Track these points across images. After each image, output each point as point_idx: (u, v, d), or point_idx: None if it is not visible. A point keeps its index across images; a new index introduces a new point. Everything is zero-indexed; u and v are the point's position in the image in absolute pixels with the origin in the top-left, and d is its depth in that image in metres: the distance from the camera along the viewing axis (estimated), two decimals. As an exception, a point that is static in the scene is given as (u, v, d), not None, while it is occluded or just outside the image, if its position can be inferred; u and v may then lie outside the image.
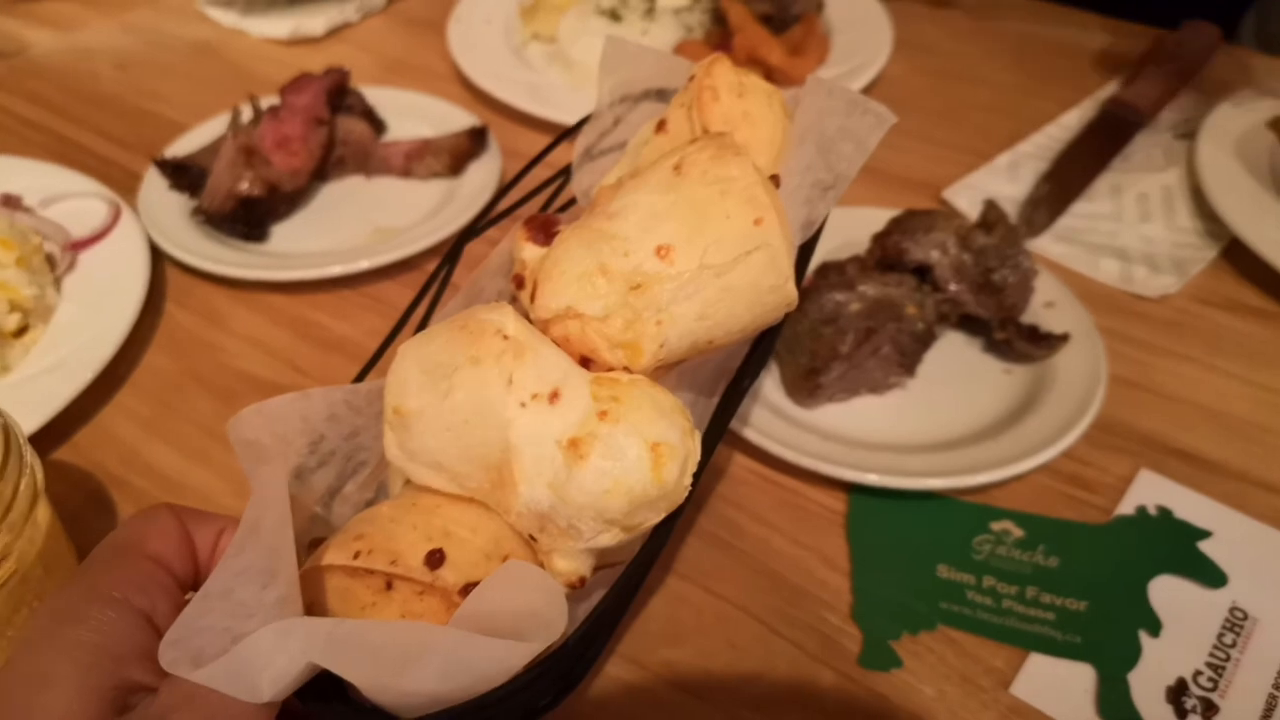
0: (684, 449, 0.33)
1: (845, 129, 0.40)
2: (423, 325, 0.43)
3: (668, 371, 0.37)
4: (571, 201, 0.50)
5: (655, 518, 0.33)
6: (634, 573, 0.34)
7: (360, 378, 0.41)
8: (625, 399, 0.33)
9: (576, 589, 0.34)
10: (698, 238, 0.34)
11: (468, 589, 0.31)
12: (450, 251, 0.46)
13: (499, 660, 0.28)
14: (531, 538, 0.34)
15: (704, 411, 0.39)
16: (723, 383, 0.40)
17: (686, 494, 0.34)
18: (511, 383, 0.32)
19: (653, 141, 0.42)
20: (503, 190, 0.49)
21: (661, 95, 0.48)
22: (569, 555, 0.34)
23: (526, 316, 0.36)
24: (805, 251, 0.40)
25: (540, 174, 0.49)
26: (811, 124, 0.41)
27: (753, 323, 0.37)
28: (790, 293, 0.36)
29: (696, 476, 0.34)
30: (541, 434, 0.32)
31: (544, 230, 0.39)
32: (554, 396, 0.32)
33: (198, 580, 0.33)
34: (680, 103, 0.42)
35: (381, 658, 0.28)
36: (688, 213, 0.34)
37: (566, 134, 0.49)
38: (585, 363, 0.35)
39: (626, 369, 0.35)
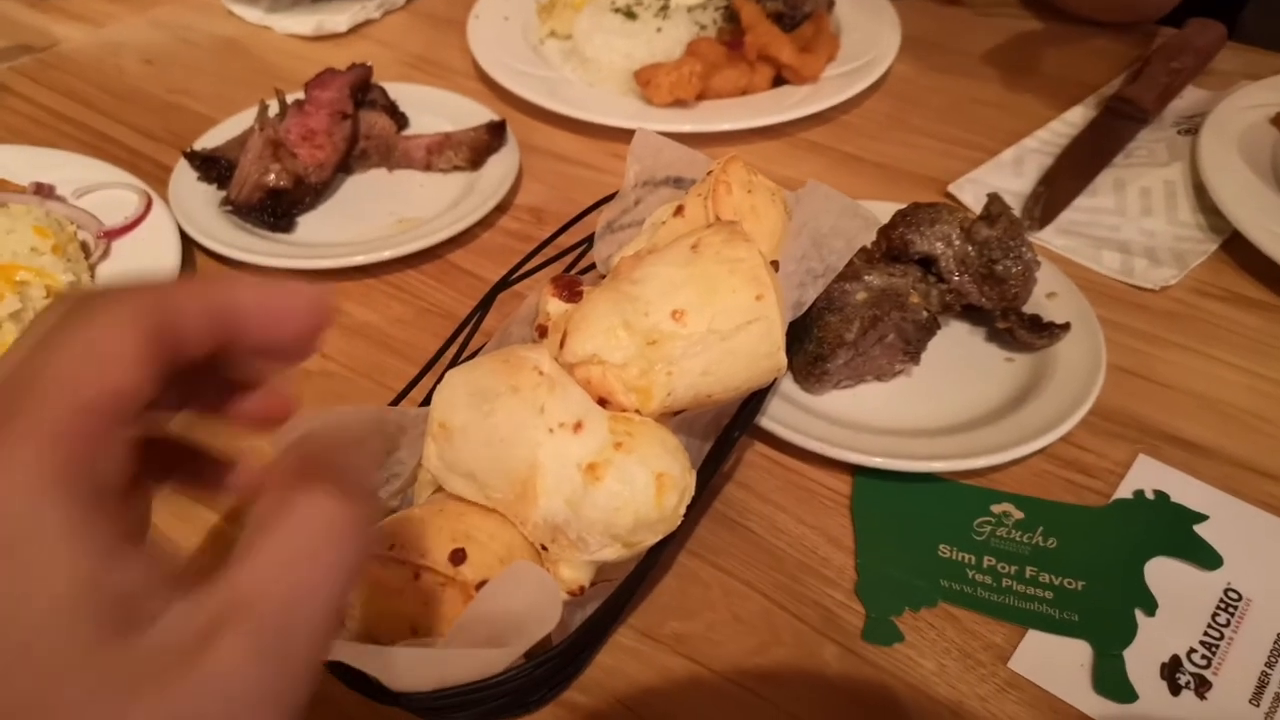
0: (683, 481, 0.39)
1: (837, 228, 0.49)
2: (454, 361, 0.50)
3: (669, 418, 0.43)
4: (591, 266, 0.58)
5: (652, 539, 0.40)
6: (625, 587, 0.40)
7: (395, 403, 0.48)
8: (638, 435, 0.39)
9: (576, 596, 0.40)
10: (707, 306, 0.40)
11: (482, 584, 0.37)
12: (483, 300, 0.54)
13: (489, 666, 0.35)
14: (543, 547, 0.40)
15: (697, 455, 0.45)
16: (715, 433, 0.47)
17: (679, 522, 0.40)
18: (543, 411, 0.39)
19: (670, 223, 0.49)
20: (533, 251, 0.56)
21: (679, 183, 0.56)
22: (574, 565, 0.40)
23: None
24: (794, 328, 0.47)
25: (564, 238, 0.58)
26: (808, 219, 0.49)
27: (747, 382, 0.42)
28: (780, 360, 0.42)
29: (686, 511, 0.40)
30: (565, 456, 0.38)
31: (568, 289, 0.46)
32: (578, 426, 0.39)
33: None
34: (698, 193, 0.49)
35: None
36: (701, 285, 0.41)
37: (593, 207, 0.58)
38: (602, 403, 0.40)
39: (638, 411, 0.40)
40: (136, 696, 0.19)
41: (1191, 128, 0.77)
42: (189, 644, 0.20)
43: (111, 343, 0.22)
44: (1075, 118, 0.80)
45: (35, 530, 0.20)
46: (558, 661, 0.38)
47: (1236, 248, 0.66)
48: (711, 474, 0.45)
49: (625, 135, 0.62)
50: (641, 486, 0.38)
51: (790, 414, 0.53)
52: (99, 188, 0.72)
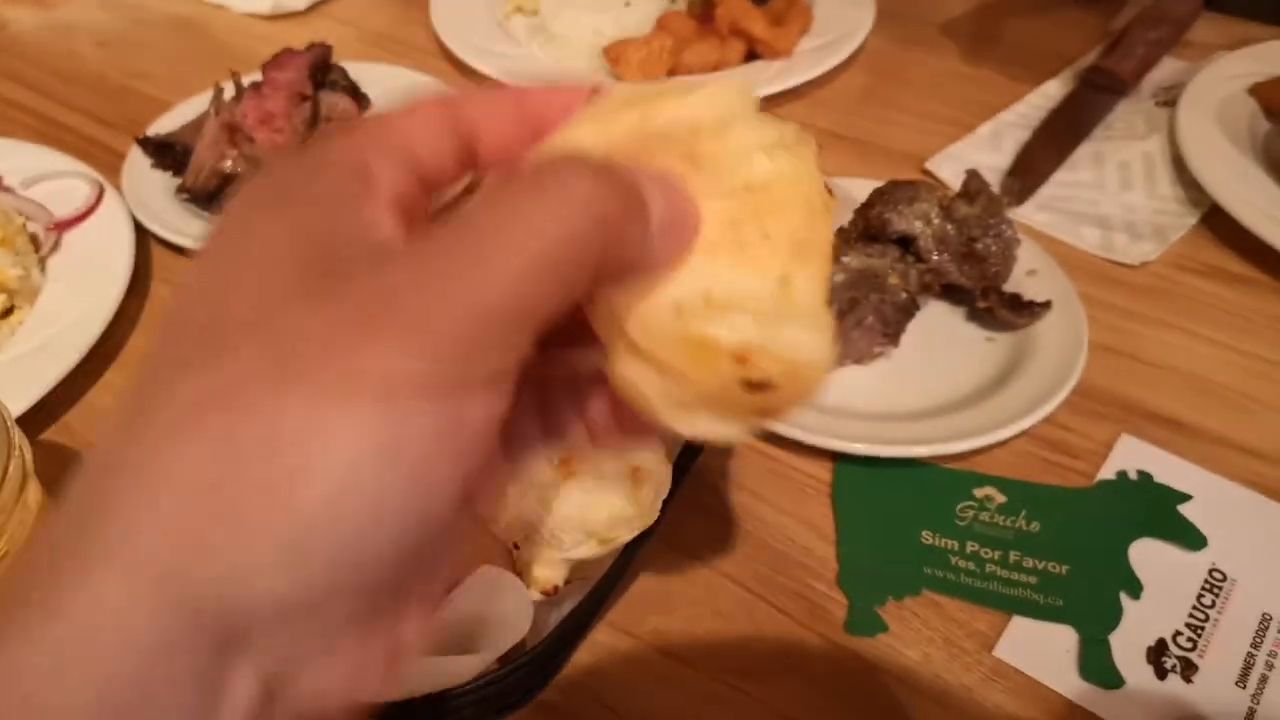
0: (659, 474, 0.39)
1: None
2: None
3: None
4: None
5: (628, 535, 0.39)
6: (602, 585, 0.40)
7: None
8: None
9: (550, 596, 0.39)
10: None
11: (450, 588, 0.35)
12: None
13: (460, 673, 0.34)
14: (515, 546, 0.38)
15: (674, 446, 0.44)
16: None
17: (655, 517, 0.39)
18: None
19: None
20: None
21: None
22: (548, 564, 0.39)
23: None
24: None
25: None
26: None
27: None
28: None
29: (664, 505, 0.39)
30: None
31: None
32: None
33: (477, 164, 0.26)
34: None
35: None
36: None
37: None
38: None
39: None
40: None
41: (1169, 99, 0.76)
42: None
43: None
44: (1053, 90, 0.79)
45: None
46: (532, 666, 0.37)
47: (1216, 221, 0.65)
48: (689, 466, 0.43)
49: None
50: (615, 480, 0.37)
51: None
52: (49, 177, 0.69)
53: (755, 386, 0.23)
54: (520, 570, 0.39)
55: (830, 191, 0.25)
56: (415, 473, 0.18)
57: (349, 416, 0.17)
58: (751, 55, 0.81)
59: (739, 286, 0.22)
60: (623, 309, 0.23)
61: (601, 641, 0.44)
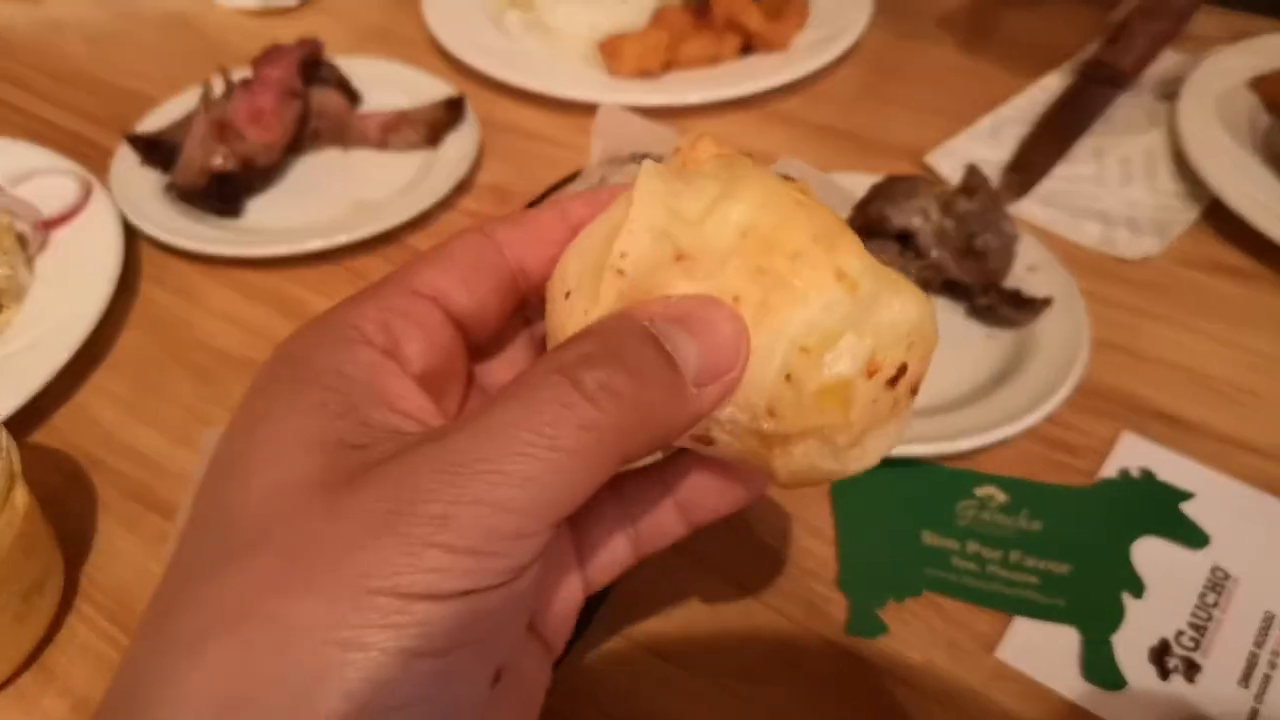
0: None
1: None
2: None
3: None
4: None
5: None
6: (594, 595, 0.37)
7: None
8: None
9: None
10: None
11: None
12: None
13: None
14: None
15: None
16: None
17: None
18: None
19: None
20: None
21: (645, 159, 0.53)
22: None
23: None
24: None
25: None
26: None
27: None
28: None
29: None
30: None
31: None
32: None
33: (528, 289, 0.26)
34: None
35: None
36: None
37: (556, 186, 0.55)
38: None
39: None
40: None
41: (1170, 93, 0.75)
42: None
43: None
44: (1052, 84, 0.79)
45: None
46: None
47: (1218, 215, 0.65)
48: None
49: (591, 109, 0.59)
50: None
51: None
52: (37, 175, 0.68)
53: (895, 379, 0.23)
54: None
55: (790, 178, 0.24)
56: (438, 668, 0.18)
57: (367, 622, 0.17)
58: (748, 49, 0.81)
59: (815, 316, 0.22)
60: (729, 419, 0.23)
61: (598, 644, 0.43)
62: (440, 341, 0.23)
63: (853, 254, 0.23)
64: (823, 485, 0.23)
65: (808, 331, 0.22)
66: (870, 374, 0.22)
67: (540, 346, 0.27)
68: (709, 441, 0.23)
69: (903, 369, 0.23)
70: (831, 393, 0.22)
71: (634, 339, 0.20)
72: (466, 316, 0.24)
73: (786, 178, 0.24)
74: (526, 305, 0.26)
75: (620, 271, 0.22)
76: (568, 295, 0.23)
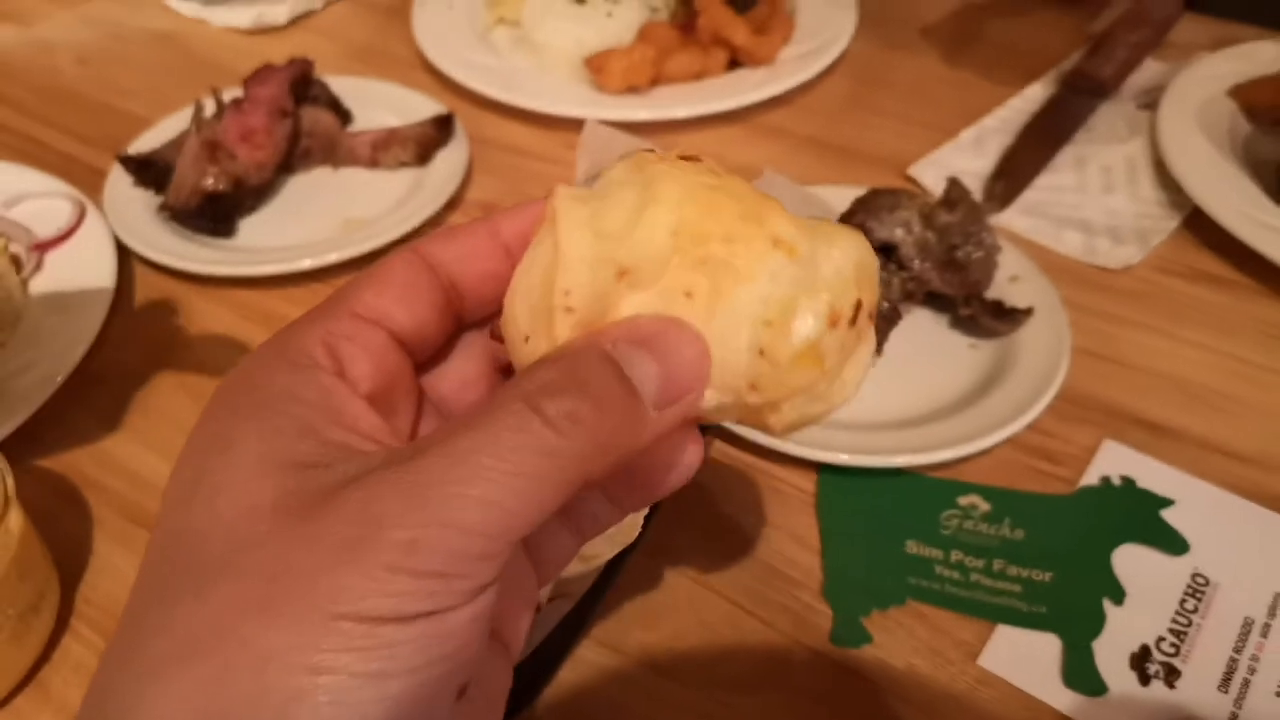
0: None
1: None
2: None
3: None
4: None
5: (609, 552, 0.38)
6: (585, 603, 0.40)
7: None
8: None
9: (535, 613, 0.37)
10: None
11: None
12: None
13: None
14: None
15: None
16: None
17: (637, 533, 0.39)
18: None
19: None
20: None
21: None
22: None
23: None
24: None
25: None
26: None
27: None
28: None
29: (647, 520, 0.39)
30: None
31: None
32: None
33: (462, 307, 0.26)
34: None
35: None
36: None
37: None
38: None
39: None
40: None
41: (1151, 102, 0.76)
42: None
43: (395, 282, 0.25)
44: (1035, 94, 0.80)
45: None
46: (517, 683, 0.37)
47: (1198, 224, 0.66)
48: None
49: (579, 125, 0.60)
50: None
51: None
52: (30, 197, 0.69)
53: (854, 317, 0.23)
54: None
55: (695, 155, 0.25)
56: (407, 687, 0.18)
57: (335, 646, 0.18)
58: (734, 64, 0.82)
59: (766, 289, 0.23)
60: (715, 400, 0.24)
61: (587, 657, 0.44)
62: (386, 362, 0.24)
63: (780, 219, 0.24)
64: (816, 426, 0.25)
65: (765, 305, 0.23)
66: (833, 324, 0.23)
67: (486, 356, 0.28)
68: (699, 419, 0.24)
69: (858, 305, 0.24)
70: (804, 356, 0.23)
71: (595, 366, 0.21)
72: (408, 336, 0.25)
73: (687, 158, 0.25)
74: (464, 319, 0.27)
75: (569, 309, 0.22)
76: (526, 340, 0.24)
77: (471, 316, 0.27)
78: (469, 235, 0.26)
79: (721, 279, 0.23)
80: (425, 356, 0.26)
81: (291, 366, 0.22)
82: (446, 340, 0.27)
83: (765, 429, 0.25)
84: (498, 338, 0.26)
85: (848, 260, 0.24)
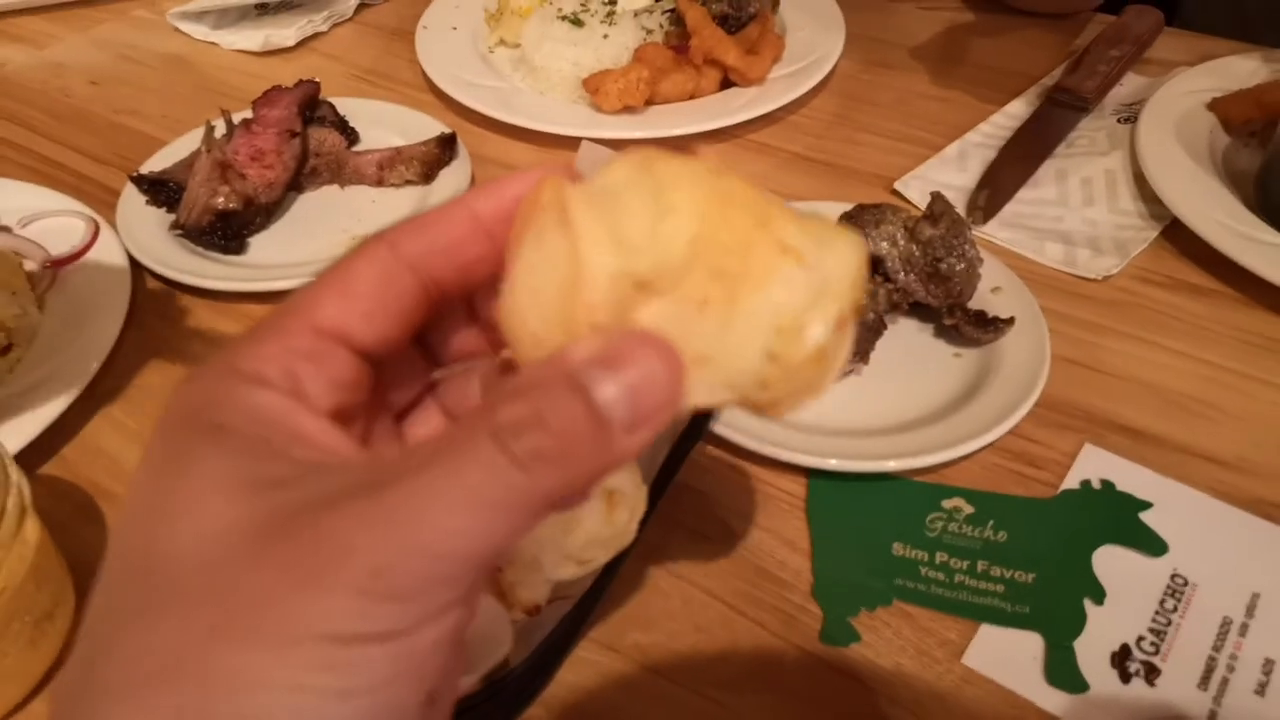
0: (634, 497, 0.39)
1: None
2: None
3: None
4: None
5: (605, 556, 0.39)
6: (582, 606, 0.41)
7: None
8: None
9: (533, 615, 0.40)
10: None
11: None
12: None
13: None
14: (499, 569, 0.39)
15: (650, 466, 0.46)
16: (666, 448, 0.47)
17: (633, 538, 0.40)
18: None
19: None
20: None
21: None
22: (530, 585, 0.40)
23: None
24: None
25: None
26: None
27: None
28: None
29: (642, 525, 0.40)
30: None
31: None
32: None
33: (440, 299, 0.25)
34: None
35: None
36: None
37: None
38: None
39: None
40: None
41: (1131, 115, 0.78)
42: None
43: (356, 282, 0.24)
44: (1017, 109, 0.81)
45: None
46: (516, 684, 0.38)
47: (1176, 234, 0.67)
48: (664, 487, 0.45)
49: (577, 144, 0.62)
50: (592, 504, 0.38)
51: (744, 418, 0.53)
52: (45, 215, 0.71)
53: (857, 309, 0.25)
54: (504, 591, 0.40)
55: (693, 152, 0.26)
56: (374, 703, 0.19)
57: (305, 666, 0.18)
58: (726, 83, 0.84)
59: (778, 297, 0.23)
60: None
61: (584, 658, 0.45)
62: (344, 378, 0.23)
63: (785, 221, 0.24)
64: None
65: (778, 314, 0.23)
66: (839, 328, 0.24)
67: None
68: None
69: (856, 303, 0.25)
70: (813, 359, 0.24)
71: (563, 400, 0.20)
72: (369, 349, 0.24)
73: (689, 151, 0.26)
74: (441, 308, 0.26)
75: (595, 325, 0.22)
76: (538, 343, 0.23)
77: (449, 304, 0.26)
78: (447, 223, 0.24)
79: (736, 287, 0.23)
80: (388, 361, 0.25)
81: (246, 384, 0.22)
82: (416, 335, 0.26)
83: (759, 414, 0.26)
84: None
85: (849, 266, 0.24)
